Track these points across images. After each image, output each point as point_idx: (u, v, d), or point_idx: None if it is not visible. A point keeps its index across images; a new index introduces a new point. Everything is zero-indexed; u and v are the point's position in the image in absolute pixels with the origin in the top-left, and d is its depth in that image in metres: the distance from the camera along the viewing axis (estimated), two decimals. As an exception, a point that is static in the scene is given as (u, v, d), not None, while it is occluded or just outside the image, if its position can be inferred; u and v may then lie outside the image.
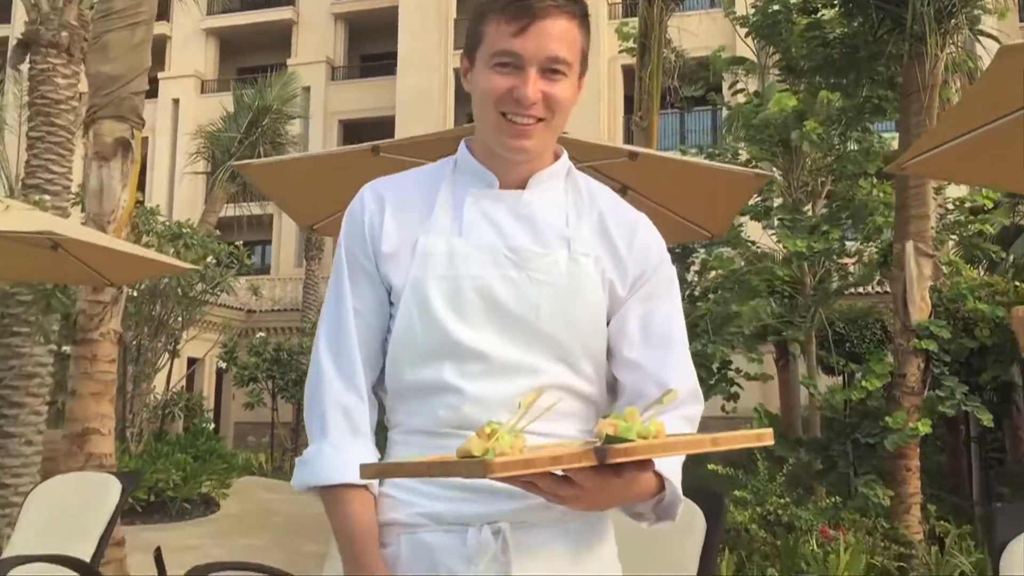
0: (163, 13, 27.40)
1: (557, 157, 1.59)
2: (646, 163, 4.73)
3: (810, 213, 9.31)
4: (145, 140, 27.72)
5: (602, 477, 1.26)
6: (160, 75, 27.64)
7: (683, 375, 1.54)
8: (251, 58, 28.33)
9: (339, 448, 1.50)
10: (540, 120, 1.47)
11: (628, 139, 18.39)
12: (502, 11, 1.46)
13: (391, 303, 1.53)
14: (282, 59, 27.06)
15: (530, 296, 1.48)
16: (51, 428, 8.98)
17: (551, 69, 1.46)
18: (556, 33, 1.45)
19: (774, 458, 7.93)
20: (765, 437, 1.24)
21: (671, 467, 1.41)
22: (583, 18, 1.51)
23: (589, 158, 4.50)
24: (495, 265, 1.49)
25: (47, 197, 9.54)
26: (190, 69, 28.15)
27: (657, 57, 6.73)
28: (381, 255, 1.52)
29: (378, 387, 1.58)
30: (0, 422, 7.99)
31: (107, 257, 6.16)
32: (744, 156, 9.86)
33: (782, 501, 6.92)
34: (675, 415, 1.47)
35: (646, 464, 1.30)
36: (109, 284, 6.62)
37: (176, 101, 27.93)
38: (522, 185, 1.55)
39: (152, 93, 27.67)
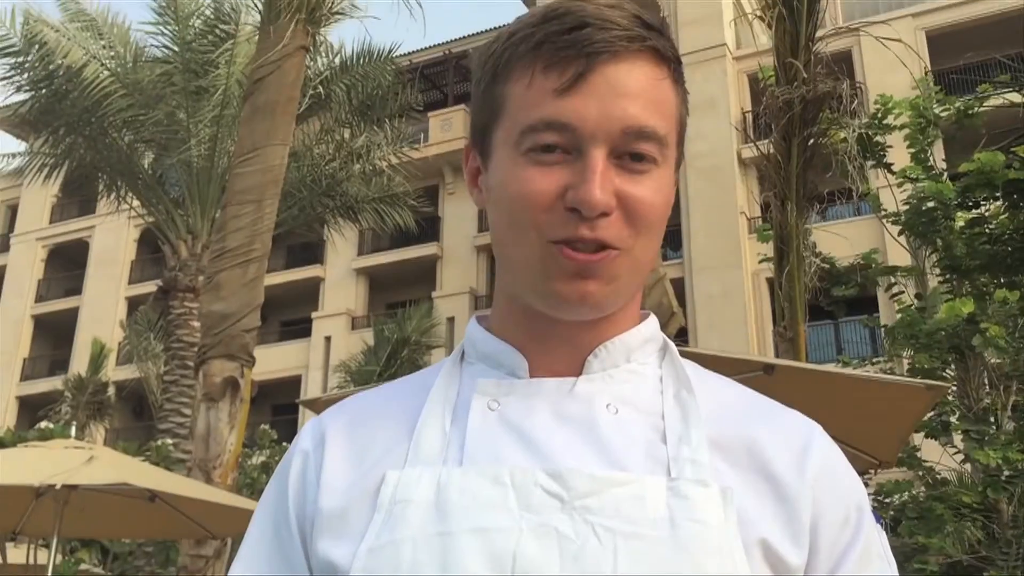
0: (318, 258, 28.92)
1: (640, 320, 0.90)
2: (788, 377, 3.95)
3: (995, 427, 8.17)
4: (298, 378, 28.14)
5: None
6: (313, 315, 28.70)
7: None
8: (399, 293, 29.18)
9: None
10: (611, 248, 0.79)
11: (777, 354, 17.46)
12: (535, 53, 0.80)
13: None
14: (428, 292, 27.76)
15: (593, 560, 0.76)
16: None
17: (631, 152, 0.79)
18: (635, 87, 0.79)
19: None
20: None
21: None
22: (676, 64, 0.84)
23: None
24: (524, 508, 0.78)
25: (169, 441, 9.46)
26: (342, 308, 29.17)
27: (797, 259, 6.03)
28: (320, 517, 0.83)
29: None
30: None
31: (206, 508, 5.78)
32: (907, 365, 8.91)
33: None
34: None
35: None
36: (211, 537, 6.22)
37: (328, 339, 28.82)
38: (576, 370, 0.86)
39: (305, 332, 28.80)
